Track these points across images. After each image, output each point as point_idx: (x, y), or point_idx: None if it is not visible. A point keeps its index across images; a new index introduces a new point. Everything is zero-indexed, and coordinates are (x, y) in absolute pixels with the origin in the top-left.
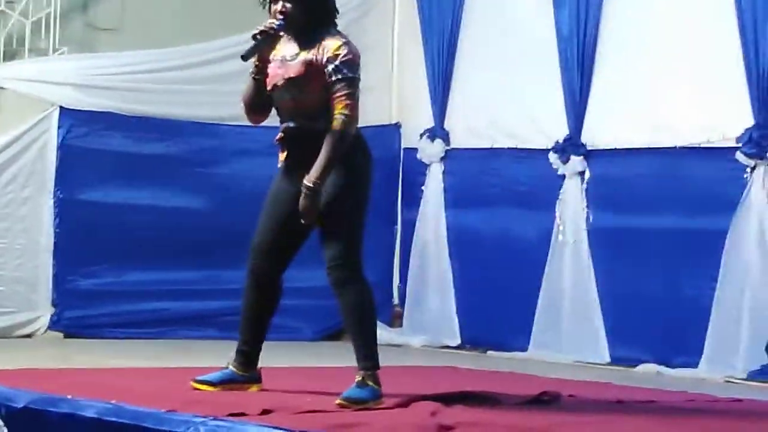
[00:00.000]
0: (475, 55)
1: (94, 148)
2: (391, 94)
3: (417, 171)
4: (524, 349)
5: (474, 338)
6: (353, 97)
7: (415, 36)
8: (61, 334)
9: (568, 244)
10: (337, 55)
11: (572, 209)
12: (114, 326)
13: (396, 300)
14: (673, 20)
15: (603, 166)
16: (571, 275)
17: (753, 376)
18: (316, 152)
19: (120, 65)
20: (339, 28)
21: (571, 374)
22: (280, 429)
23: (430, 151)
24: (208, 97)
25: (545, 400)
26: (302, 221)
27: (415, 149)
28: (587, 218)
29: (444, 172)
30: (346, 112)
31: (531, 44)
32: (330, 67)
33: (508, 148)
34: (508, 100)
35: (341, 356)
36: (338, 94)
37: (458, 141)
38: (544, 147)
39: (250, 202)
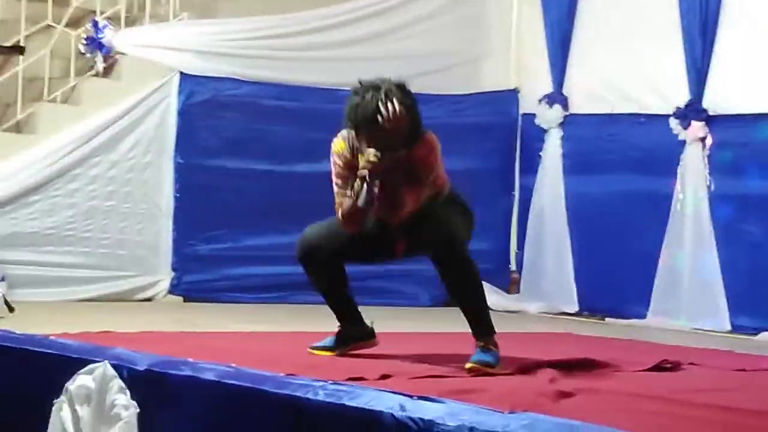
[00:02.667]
0: (595, 19)
1: (214, 114)
2: (510, 59)
3: (535, 137)
4: (642, 316)
5: (592, 305)
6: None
7: (534, 1)
8: (180, 298)
9: (688, 211)
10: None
11: (693, 176)
12: (232, 290)
13: (513, 266)
14: None
15: (725, 131)
16: (691, 242)
17: None
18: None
19: (240, 31)
20: None
21: (691, 342)
22: (399, 394)
23: (549, 117)
24: (328, 63)
25: (666, 368)
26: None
27: (534, 115)
28: (708, 185)
29: (562, 138)
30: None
31: (652, 7)
32: None
33: (628, 114)
34: (628, 64)
35: (458, 322)
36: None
37: (577, 106)
38: (665, 112)
39: None
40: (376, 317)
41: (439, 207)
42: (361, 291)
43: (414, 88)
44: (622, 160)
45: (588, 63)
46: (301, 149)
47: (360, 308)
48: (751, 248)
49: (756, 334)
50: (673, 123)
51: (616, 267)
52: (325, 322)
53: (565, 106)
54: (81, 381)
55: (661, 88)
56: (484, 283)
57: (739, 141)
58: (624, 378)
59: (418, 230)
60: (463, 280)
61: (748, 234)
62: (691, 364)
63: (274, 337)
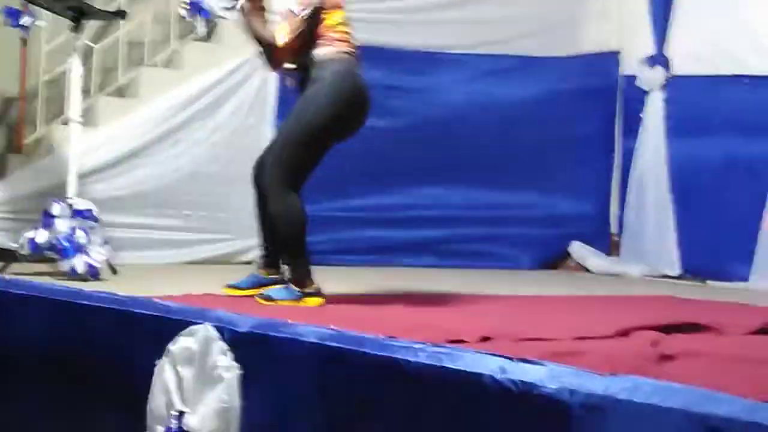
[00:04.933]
0: None
1: None
2: (611, 20)
3: (636, 99)
4: (745, 278)
5: (694, 268)
6: (295, 28)
7: None
8: None
9: None
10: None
11: None
12: (335, 252)
13: (614, 229)
14: None
15: None
16: None
17: None
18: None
19: None
20: None
21: None
22: (499, 356)
23: (650, 78)
24: (424, 26)
25: None
26: None
27: (634, 76)
28: None
29: (664, 100)
30: (282, 35)
31: None
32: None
33: (732, 75)
34: (731, 24)
35: (559, 284)
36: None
37: (679, 68)
38: None
39: (466, 128)
40: (477, 280)
41: (301, 115)
42: (464, 254)
43: (513, 50)
44: (726, 123)
45: (691, 23)
46: (402, 109)
47: (463, 271)
48: None
49: None
50: None
51: (719, 230)
52: (423, 284)
53: (667, 68)
54: (183, 342)
55: (765, 49)
56: (583, 245)
57: None
58: (727, 341)
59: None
60: (274, 219)
61: None
62: None
63: (374, 299)
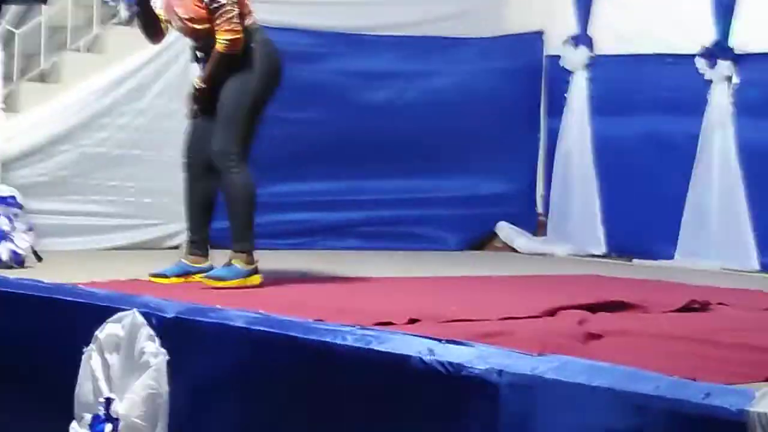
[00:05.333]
0: None
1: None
2: (534, 1)
3: (560, 79)
4: (670, 256)
5: (619, 246)
6: (231, 21)
7: None
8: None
9: (715, 150)
10: None
11: (719, 115)
12: (259, 237)
13: (540, 209)
14: None
15: (752, 71)
16: (718, 182)
17: None
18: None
19: None
20: None
21: (719, 282)
22: (427, 338)
23: (574, 58)
24: (348, 7)
25: (694, 308)
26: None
27: (558, 56)
28: (735, 124)
29: (588, 80)
30: (227, 37)
31: None
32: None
33: (654, 54)
34: (653, 4)
35: (486, 265)
36: (218, 22)
37: (602, 47)
38: (691, 52)
39: (390, 111)
40: (404, 262)
41: (227, 96)
42: (390, 236)
43: (436, 32)
44: (649, 101)
45: (613, 3)
46: (323, 97)
47: (389, 253)
48: None
49: None
50: (700, 63)
51: (644, 208)
52: (347, 267)
53: (591, 48)
54: (110, 329)
55: (686, 28)
56: (509, 225)
57: (766, 81)
58: (652, 319)
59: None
60: (227, 191)
61: None
62: (720, 303)
63: (301, 283)
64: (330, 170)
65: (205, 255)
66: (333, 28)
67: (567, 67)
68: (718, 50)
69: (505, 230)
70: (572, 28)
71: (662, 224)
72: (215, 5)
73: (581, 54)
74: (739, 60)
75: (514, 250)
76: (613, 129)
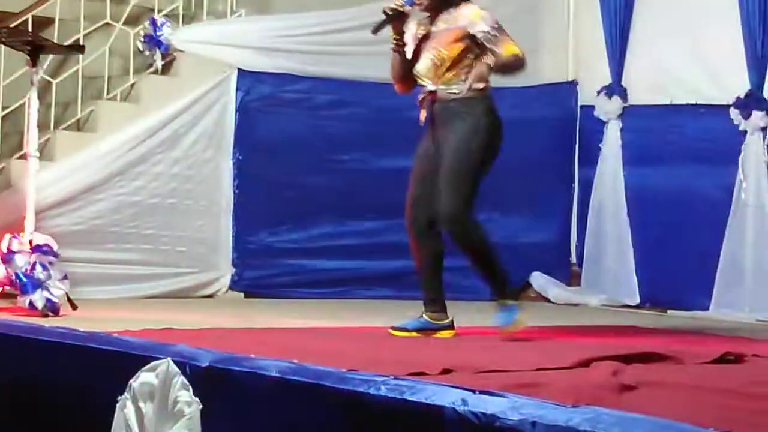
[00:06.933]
0: (652, 8)
1: (272, 110)
2: (568, 51)
3: (594, 129)
4: (705, 308)
5: (654, 297)
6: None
7: None
8: (241, 294)
9: (750, 201)
10: (482, 18)
11: (755, 166)
12: (293, 286)
13: (574, 259)
14: None
15: None
16: (753, 232)
17: None
18: (449, 113)
19: (298, 27)
20: None
21: (755, 333)
22: (461, 388)
23: (608, 108)
24: (385, 58)
25: (729, 360)
26: None
27: (592, 106)
28: None
29: (622, 129)
30: (518, 50)
31: None
32: (479, 29)
33: (688, 104)
34: (687, 54)
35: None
36: (503, 41)
37: (636, 97)
38: (725, 102)
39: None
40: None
41: (460, 138)
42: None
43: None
44: (683, 152)
45: (646, 53)
46: (358, 144)
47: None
48: None
49: None
50: (734, 113)
51: (678, 259)
52: (384, 317)
53: (624, 98)
54: (144, 378)
55: (720, 78)
56: (543, 275)
57: None
58: (687, 370)
59: (443, 155)
60: (469, 252)
61: None
62: (755, 355)
63: (335, 332)
64: (363, 218)
65: (444, 310)
66: (372, 78)
67: (601, 117)
68: (752, 100)
69: (539, 280)
70: (606, 78)
71: (697, 275)
72: (496, 33)
73: (615, 104)
74: None
75: (548, 300)
76: (647, 179)
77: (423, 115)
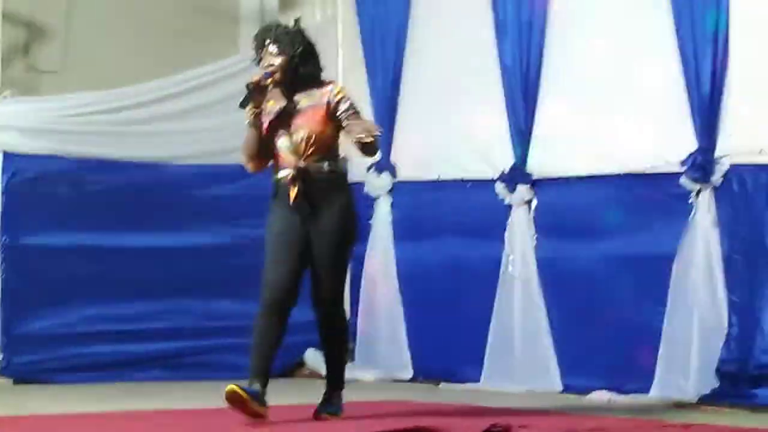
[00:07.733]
0: (419, 87)
1: (40, 192)
2: None
3: (364, 205)
4: (477, 379)
5: (426, 370)
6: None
7: (359, 69)
8: (10, 380)
9: (517, 273)
10: (344, 96)
11: (520, 238)
12: (64, 371)
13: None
14: (615, 49)
15: (549, 194)
16: (521, 304)
17: (705, 399)
18: (321, 191)
19: (65, 107)
20: None
21: (524, 404)
22: None
23: (377, 185)
24: (153, 138)
25: None
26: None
27: (362, 183)
28: (536, 247)
29: (392, 205)
30: (375, 129)
31: (475, 75)
32: (341, 108)
33: (455, 180)
34: (453, 131)
35: (293, 393)
36: (362, 121)
37: (405, 173)
38: (491, 177)
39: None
40: (208, 393)
41: (338, 245)
42: (192, 366)
43: (239, 159)
44: (451, 226)
45: (414, 130)
46: (128, 223)
47: (191, 384)
48: (578, 308)
49: (587, 394)
50: (499, 187)
51: (449, 331)
52: (158, 399)
53: (393, 174)
54: None
55: (486, 154)
56: (316, 352)
57: (563, 203)
58: None
59: (320, 236)
60: (338, 335)
61: (574, 294)
62: (522, 427)
63: (110, 417)
64: (135, 301)
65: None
66: (140, 159)
67: (371, 194)
68: (517, 174)
69: (312, 357)
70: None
71: (468, 348)
72: (353, 110)
73: (384, 180)
74: (538, 184)
75: (322, 377)
76: (417, 254)
77: (293, 192)
